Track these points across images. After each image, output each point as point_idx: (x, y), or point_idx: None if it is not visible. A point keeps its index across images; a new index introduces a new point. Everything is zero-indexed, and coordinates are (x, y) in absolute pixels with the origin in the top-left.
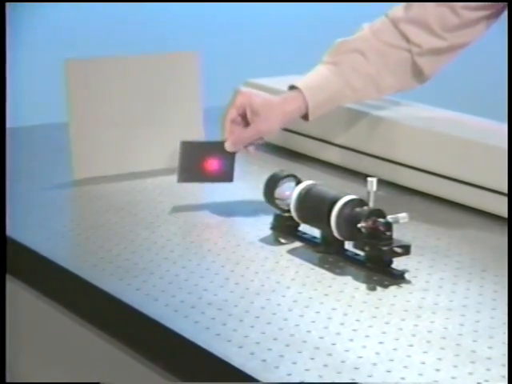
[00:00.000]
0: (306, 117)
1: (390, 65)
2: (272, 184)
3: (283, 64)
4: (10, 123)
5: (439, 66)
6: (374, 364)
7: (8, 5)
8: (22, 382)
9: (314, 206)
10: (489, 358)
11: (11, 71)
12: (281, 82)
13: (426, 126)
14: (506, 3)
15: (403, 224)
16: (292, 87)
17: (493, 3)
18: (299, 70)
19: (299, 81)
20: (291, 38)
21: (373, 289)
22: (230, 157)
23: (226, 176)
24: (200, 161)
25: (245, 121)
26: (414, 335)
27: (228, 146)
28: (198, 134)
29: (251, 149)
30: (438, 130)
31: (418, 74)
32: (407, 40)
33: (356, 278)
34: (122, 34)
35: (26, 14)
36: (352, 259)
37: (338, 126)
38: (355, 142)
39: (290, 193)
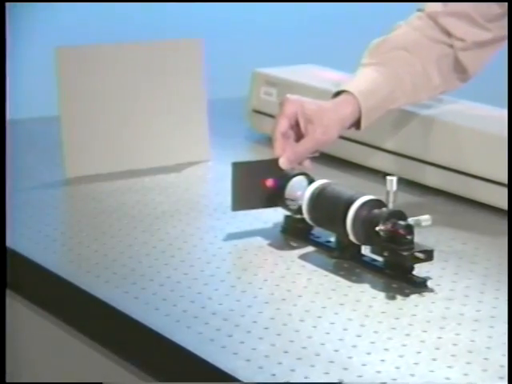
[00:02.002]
0: (355, 125)
1: (435, 61)
2: (282, 183)
3: (291, 53)
4: None
5: (482, 62)
6: (394, 379)
7: (8, 5)
8: (22, 382)
9: (328, 207)
10: None
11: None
12: (290, 72)
13: (451, 120)
14: None
15: (425, 227)
16: (338, 92)
17: None
18: (307, 60)
19: (348, 84)
20: (299, 28)
21: (392, 298)
22: (285, 175)
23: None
24: (255, 183)
25: (295, 132)
26: (437, 348)
27: (283, 164)
28: (201, 128)
29: (307, 163)
30: (467, 126)
31: (461, 72)
32: (448, 34)
33: (374, 286)
34: (123, 33)
35: (26, 14)
36: (369, 265)
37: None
38: (372, 137)
39: (301, 193)
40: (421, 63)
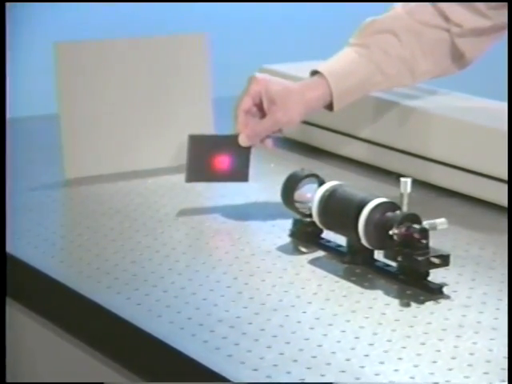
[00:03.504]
0: (330, 107)
1: (426, 46)
2: (291, 185)
3: (301, 49)
4: None
5: (481, 49)
6: None
7: (8, 5)
8: (22, 382)
9: (340, 210)
10: None
11: (11, 71)
12: (299, 68)
13: (466, 118)
14: None
15: (441, 231)
16: (314, 73)
17: None
18: (317, 56)
19: (322, 65)
20: (307, 23)
21: (406, 305)
22: (245, 153)
23: (241, 175)
24: (211, 157)
25: (261, 111)
26: (453, 358)
27: (242, 141)
28: (207, 128)
29: (269, 142)
30: (480, 123)
31: (459, 58)
32: (446, 19)
33: (387, 293)
34: (125, 31)
35: (26, 14)
36: (383, 271)
37: (366, 118)
38: (384, 136)
39: (311, 195)
40: (408, 48)
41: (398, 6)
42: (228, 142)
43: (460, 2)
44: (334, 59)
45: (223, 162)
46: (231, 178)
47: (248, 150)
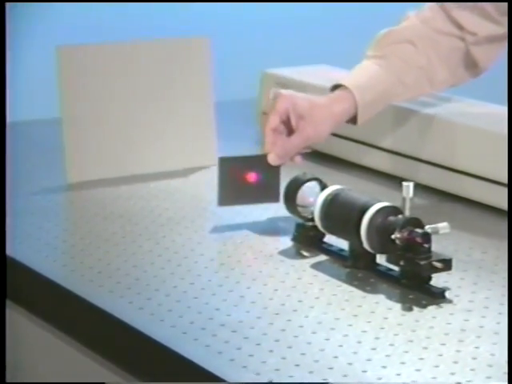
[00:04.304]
0: (353, 120)
1: (443, 55)
2: (293, 189)
3: (301, 54)
4: None
5: (494, 57)
6: None
7: (8, 5)
8: (22, 382)
9: (342, 215)
10: None
11: (11, 72)
12: (301, 72)
13: (471, 122)
14: None
15: (444, 235)
16: (335, 87)
17: None
18: (319, 60)
19: (345, 79)
20: (310, 27)
21: (409, 309)
22: (275, 172)
23: (272, 195)
24: (241, 179)
25: (288, 128)
26: (456, 362)
27: (272, 160)
28: (210, 132)
29: (298, 159)
30: (484, 128)
31: (472, 66)
32: (460, 27)
33: (389, 297)
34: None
35: (26, 14)
36: (385, 275)
37: (371, 125)
38: (388, 141)
39: (313, 199)
40: (426, 57)
41: (411, 15)
42: (257, 162)
43: (472, 10)
44: (357, 72)
45: (253, 182)
46: (262, 199)
47: (278, 169)
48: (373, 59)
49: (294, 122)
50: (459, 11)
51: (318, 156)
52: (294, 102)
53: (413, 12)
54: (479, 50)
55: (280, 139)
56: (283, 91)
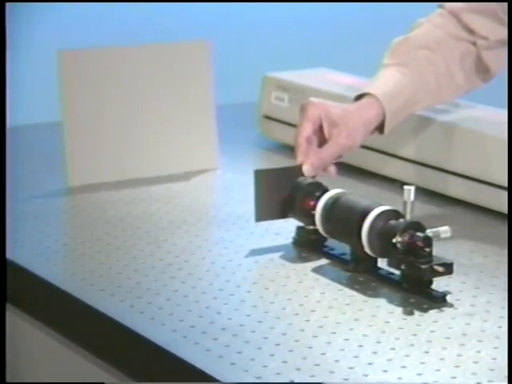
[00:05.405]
0: (378, 129)
1: (458, 60)
2: (294, 193)
3: (302, 57)
4: None
5: (505, 61)
6: None
7: (8, 5)
8: (22, 382)
9: (343, 218)
10: None
11: (11, 72)
12: (303, 76)
13: (469, 126)
14: None
15: (445, 239)
16: (360, 96)
17: None
18: (319, 64)
19: (371, 87)
20: (310, 31)
21: (410, 313)
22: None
23: None
24: (277, 192)
25: (318, 138)
26: (457, 366)
27: (307, 171)
28: (210, 135)
29: (332, 170)
30: (483, 131)
31: (484, 71)
32: (471, 32)
33: (390, 301)
34: (127, 36)
35: (26, 14)
36: (386, 279)
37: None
38: (389, 144)
39: (314, 203)
40: (444, 62)
41: (423, 21)
42: (292, 174)
43: (482, 14)
44: (380, 81)
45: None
46: None
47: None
48: (393, 67)
49: (326, 129)
50: (470, 15)
51: None
52: (326, 109)
53: (423, 19)
54: (491, 55)
55: (311, 149)
56: (313, 99)
